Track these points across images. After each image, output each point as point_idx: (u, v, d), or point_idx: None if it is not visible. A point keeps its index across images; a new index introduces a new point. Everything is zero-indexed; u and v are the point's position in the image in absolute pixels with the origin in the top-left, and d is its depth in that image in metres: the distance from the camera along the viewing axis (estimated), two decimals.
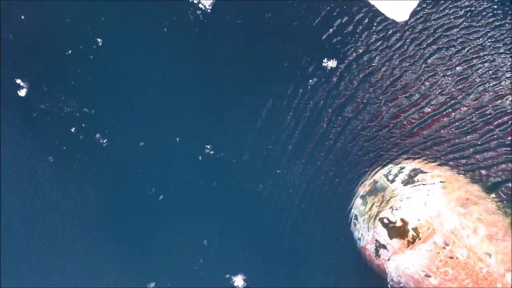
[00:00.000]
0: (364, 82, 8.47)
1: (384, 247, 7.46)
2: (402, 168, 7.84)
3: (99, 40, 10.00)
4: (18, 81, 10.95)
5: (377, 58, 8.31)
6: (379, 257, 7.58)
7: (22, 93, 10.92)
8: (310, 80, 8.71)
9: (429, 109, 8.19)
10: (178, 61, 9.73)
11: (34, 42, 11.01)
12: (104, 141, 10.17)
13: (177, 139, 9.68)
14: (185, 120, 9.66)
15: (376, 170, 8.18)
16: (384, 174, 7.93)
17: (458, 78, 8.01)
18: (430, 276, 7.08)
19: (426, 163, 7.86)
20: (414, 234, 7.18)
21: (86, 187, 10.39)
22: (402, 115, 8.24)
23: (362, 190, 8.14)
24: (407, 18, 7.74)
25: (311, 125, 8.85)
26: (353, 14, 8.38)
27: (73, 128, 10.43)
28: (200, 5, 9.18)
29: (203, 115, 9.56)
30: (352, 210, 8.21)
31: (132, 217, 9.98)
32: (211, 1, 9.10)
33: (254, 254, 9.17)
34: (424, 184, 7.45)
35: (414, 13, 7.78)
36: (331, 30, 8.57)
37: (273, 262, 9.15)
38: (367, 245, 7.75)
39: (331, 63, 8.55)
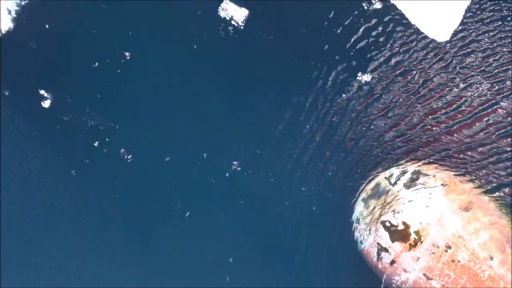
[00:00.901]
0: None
1: (386, 250, 7.42)
2: (404, 171, 7.83)
3: (127, 54, 9.98)
4: (42, 92, 10.87)
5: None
6: (381, 260, 7.51)
7: (46, 104, 10.82)
8: (344, 95, 8.69)
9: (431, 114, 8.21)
10: (206, 77, 9.66)
11: (59, 52, 10.96)
12: (129, 157, 9.99)
13: (204, 155, 9.52)
14: (213, 135, 9.55)
15: (378, 173, 8.17)
16: (386, 177, 7.91)
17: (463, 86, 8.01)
18: (432, 279, 7.00)
19: (428, 166, 7.86)
20: (416, 237, 7.15)
21: (110, 202, 10.17)
22: (403, 122, 8.26)
23: (364, 193, 8.11)
24: (448, 38, 7.64)
25: (324, 130, 8.82)
26: (392, 32, 8.44)
27: (96, 143, 10.30)
28: (233, 22, 9.20)
29: (231, 131, 9.46)
30: (354, 213, 8.17)
31: (158, 233, 9.72)
32: (244, 17, 9.09)
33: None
34: (426, 187, 7.44)
35: (455, 33, 7.73)
36: (368, 47, 8.59)
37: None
38: (369, 248, 7.70)
39: (366, 77, 8.53)
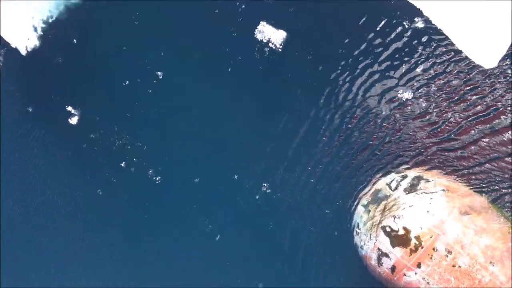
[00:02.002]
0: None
1: (386, 255, 7.38)
2: (404, 176, 7.82)
3: (159, 73, 9.81)
4: (69, 108, 10.69)
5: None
6: (381, 265, 7.51)
7: (73, 121, 10.66)
8: (380, 115, 8.63)
9: (434, 120, 8.21)
10: (239, 100, 9.53)
11: (87, 69, 10.75)
12: (157, 178, 9.83)
13: (236, 176, 9.37)
14: (245, 156, 9.40)
15: (379, 178, 8.18)
16: (386, 183, 7.90)
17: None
18: (432, 285, 7.01)
19: (429, 171, 7.86)
20: (417, 243, 7.11)
21: (139, 224, 10.03)
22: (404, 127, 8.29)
23: (364, 198, 8.10)
24: (496, 65, 7.60)
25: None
26: (436, 56, 8.35)
27: (123, 163, 10.13)
28: (270, 44, 9.09)
29: (263, 151, 9.29)
30: (354, 219, 8.15)
31: (188, 256, 9.58)
32: (282, 39, 9.00)
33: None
34: (426, 193, 7.42)
35: (503, 59, 7.69)
36: (408, 67, 8.52)
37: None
38: (369, 253, 7.67)
39: (407, 95, 8.43)
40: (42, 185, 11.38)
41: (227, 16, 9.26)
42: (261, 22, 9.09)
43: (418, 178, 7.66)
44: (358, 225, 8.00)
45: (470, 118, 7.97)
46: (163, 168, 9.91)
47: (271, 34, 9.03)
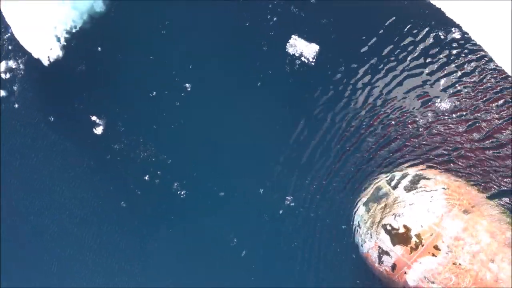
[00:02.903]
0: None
1: (387, 253, 7.43)
2: (405, 174, 7.85)
3: (187, 85, 9.69)
4: (94, 118, 10.55)
5: None
6: (382, 263, 7.54)
7: (98, 131, 10.52)
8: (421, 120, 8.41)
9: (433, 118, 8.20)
10: (268, 114, 9.34)
11: (113, 78, 10.61)
12: (182, 193, 9.71)
13: (261, 190, 9.22)
14: (271, 170, 9.23)
15: (379, 176, 8.21)
16: (387, 181, 7.93)
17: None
18: (433, 283, 7.02)
19: (429, 169, 7.88)
20: (417, 241, 7.14)
21: (162, 237, 9.91)
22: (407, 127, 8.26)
23: (364, 196, 8.12)
24: None
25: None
26: (467, 64, 8.27)
27: (147, 176, 10.00)
28: (303, 58, 9.01)
29: (289, 165, 9.16)
30: (355, 217, 8.17)
31: (214, 271, 9.45)
32: (315, 53, 8.92)
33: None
34: (427, 191, 7.45)
35: None
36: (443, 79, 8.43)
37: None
38: (370, 252, 7.71)
39: (444, 104, 8.34)
40: (63, 195, 11.29)
41: (258, 29, 9.14)
42: (293, 36, 8.98)
43: (418, 176, 7.68)
44: (358, 224, 8.03)
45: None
46: (188, 182, 9.79)
47: (303, 48, 8.93)
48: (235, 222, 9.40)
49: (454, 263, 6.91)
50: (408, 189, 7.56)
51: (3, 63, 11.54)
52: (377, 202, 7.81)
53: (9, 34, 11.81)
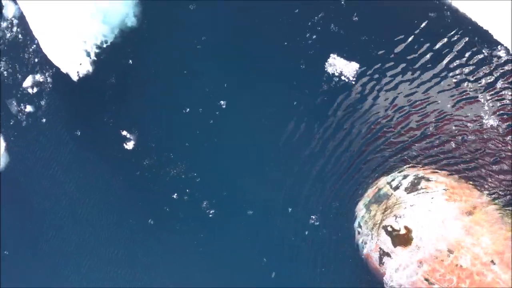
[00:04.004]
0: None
1: (388, 255, 7.40)
2: (405, 175, 7.79)
3: (222, 102, 9.50)
4: (124, 132, 10.38)
5: None
6: (383, 264, 7.50)
7: (129, 146, 10.34)
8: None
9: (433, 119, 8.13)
10: (303, 135, 9.09)
11: (145, 93, 10.39)
12: (211, 212, 9.50)
13: (289, 209, 9.01)
14: (299, 190, 9.03)
15: (380, 177, 8.13)
16: (387, 182, 7.87)
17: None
18: (434, 284, 6.98)
19: (430, 170, 7.81)
20: (418, 242, 7.14)
21: (191, 256, 9.71)
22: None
23: (365, 198, 8.08)
24: None
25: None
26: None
27: (175, 194, 9.81)
28: (343, 77, 8.84)
29: (319, 185, 8.94)
30: (356, 218, 8.12)
31: None
32: (355, 71, 8.73)
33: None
34: (428, 192, 7.41)
35: None
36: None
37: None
38: (371, 253, 7.68)
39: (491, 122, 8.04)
40: (89, 211, 11.14)
41: (297, 48, 8.94)
42: (332, 55, 8.79)
43: (419, 178, 7.63)
44: (359, 225, 7.97)
45: None
46: (217, 201, 9.58)
47: (343, 67, 8.75)
48: (264, 242, 9.20)
49: (455, 265, 6.87)
50: (409, 190, 7.56)
51: (30, 77, 11.39)
52: (378, 203, 7.79)
53: (34, 46, 11.65)
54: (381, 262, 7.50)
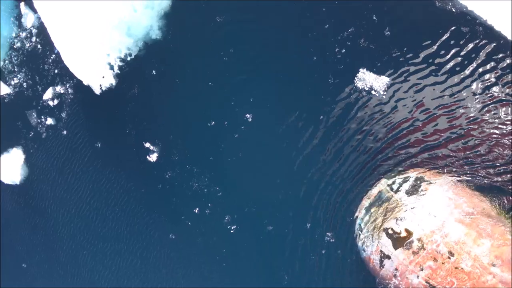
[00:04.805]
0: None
1: (389, 257, 7.35)
2: (406, 178, 7.73)
3: (248, 116, 9.39)
4: (147, 144, 10.29)
5: None
6: (384, 267, 7.43)
7: (153, 158, 10.25)
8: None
9: (434, 122, 8.06)
10: (330, 152, 8.89)
11: (168, 103, 10.26)
12: (232, 227, 9.36)
13: (308, 225, 8.80)
14: (322, 207, 8.80)
15: (380, 180, 8.07)
16: (388, 184, 7.82)
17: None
18: (435, 286, 6.93)
19: (431, 173, 7.76)
20: (419, 245, 7.06)
21: (213, 271, 9.57)
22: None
23: (366, 200, 8.01)
24: None
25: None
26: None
27: (197, 209, 9.68)
28: (373, 92, 8.68)
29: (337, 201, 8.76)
30: (357, 221, 8.07)
31: None
32: (386, 85, 8.46)
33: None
34: (428, 194, 7.35)
35: None
36: None
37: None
38: (372, 256, 7.61)
39: None
40: (108, 223, 11.07)
41: (326, 62, 8.83)
42: (361, 70, 8.68)
43: (420, 180, 7.59)
44: (360, 227, 7.93)
45: None
46: (238, 216, 9.43)
47: (372, 81, 8.64)
48: (285, 260, 8.99)
49: (456, 267, 6.80)
50: (409, 192, 7.52)
51: (50, 89, 11.33)
52: (379, 206, 7.76)
53: (54, 56, 11.58)
54: (381, 265, 7.46)
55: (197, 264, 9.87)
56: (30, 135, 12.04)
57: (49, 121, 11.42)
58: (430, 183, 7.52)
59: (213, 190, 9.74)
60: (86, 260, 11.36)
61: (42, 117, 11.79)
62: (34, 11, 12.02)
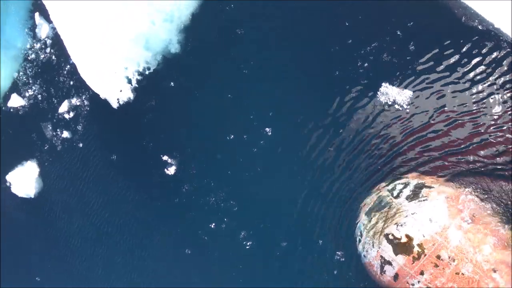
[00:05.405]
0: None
1: (389, 263, 7.32)
2: (406, 183, 7.72)
3: (267, 129, 9.29)
4: (165, 157, 10.17)
5: None
6: (384, 273, 7.40)
7: (171, 171, 10.12)
8: None
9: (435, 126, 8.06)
10: (350, 168, 8.74)
11: (186, 116, 10.15)
12: (248, 243, 9.26)
13: (320, 241, 8.71)
14: (334, 223, 8.71)
15: (381, 186, 8.04)
16: (388, 190, 7.80)
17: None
18: None
19: (431, 178, 7.73)
20: (420, 250, 7.04)
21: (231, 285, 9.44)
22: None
23: (367, 206, 7.98)
24: None
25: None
26: None
27: (213, 224, 9.61)
28: (396, 106, 8.60)
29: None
30: (357, 226, 8.03)
31: None
32: (409, 99, 8.41)
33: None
34: (429, 200, 7.35)
35: None
36: None
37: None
38: (372, 261, 7.59)
39: None
40: (123, 237, 10.96)
41: (348, 77, 8.74)
42: (384, 84, 8.60)
43: (420, 186, 7.56)
44: (361, 233, 7.89)
45: None
46: (254, 232, 9.33)
47: (395, 95, 8.56)
48: (298, 271, 8.93)
49: (456, 273, 6.83)
50: (410, 198, 7.52)
51: (66, 102, 11.25)
52: (379, 211, 7.74)
53: (69, 66, 11.51)
54: (382, 271, 7.43)
55: (214, 278, 9.71)
56: (45, 148, 11.96)
57: (65, 134, 11.35)
58: (431, 188, 7.50)
59: (229, 205, 9.66)
60: (97, 271, 11.28)
61: (58, 129, 11.70)
62: (49, 21, 11.96)
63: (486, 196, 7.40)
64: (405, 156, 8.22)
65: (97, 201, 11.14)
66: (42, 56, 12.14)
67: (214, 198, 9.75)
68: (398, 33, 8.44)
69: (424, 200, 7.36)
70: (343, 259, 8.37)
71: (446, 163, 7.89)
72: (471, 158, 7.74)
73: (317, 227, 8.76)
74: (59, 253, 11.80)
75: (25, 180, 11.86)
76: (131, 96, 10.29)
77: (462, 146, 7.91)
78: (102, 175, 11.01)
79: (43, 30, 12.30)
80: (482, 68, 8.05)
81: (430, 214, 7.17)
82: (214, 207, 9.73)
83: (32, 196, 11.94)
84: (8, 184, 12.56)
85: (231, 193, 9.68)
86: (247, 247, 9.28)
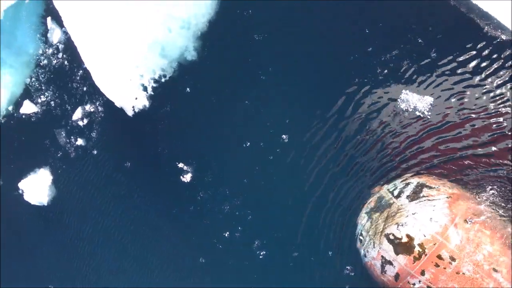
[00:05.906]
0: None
1: (390, 263, 7.26)
2: (407, 183, 7.67)
3: (284, 137, 9.21)
4: (181, 165, 10.10)
5: None
6: (385, 273, 7.36)
7: (187, 178, 10.05)
8: None
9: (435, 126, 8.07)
10: (364, 178, 8.64)
11: (202, 123, 10.07)
12: (262, 253, 9.17)
13: (330, 253, 8.60)
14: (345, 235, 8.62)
15: (381, 185, 8.04)
16: (389, 190, 7.76)
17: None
18: None
19: (432, 178, 7.72)
20: (420, 250, 6.97)
21: None
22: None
23: (367, 206, 7.95)
24: None
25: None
26: None
27: (227, 233, 9.54)
28: (417, 113, 8.38)
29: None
30: (358, 226, 7.99)
31: None
32: (430, 105, 8.27)
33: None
34: (429, 200, 7.28)
35: None
36: None
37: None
38: (373, 261, 7.54)
39: None
40: (137, 245, 10.89)
41: (368, 84, 8.68)
42: (404, 91, 8.52)
43: (421, 185, 7.52)
44: (361, 233, 7.86)
45: None
46: (268, 242, 9.23)
47: (416, 102, 8.46)
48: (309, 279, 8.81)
49: (457, 272, 6.79)
50: (411, 198, 7.47)
51: (79, 108, 11.18)
52: (380, 211, 7.70)
53: (81, 72, 11.43)
54: (383, 271, 7.41)
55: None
56: (59, 155, 11.90)
57: (79, 141, 11.30)
58: (432, 188, 7.47)
59: (244, 213, 9.59)
60: (107, 277, 11.20)
61: (71, 136, 11.67)
62: (61, 26, 11.89)
63: (486, 196, 7.40)
64: (414, 160, 8.15)
65: (110, 208, 11.08)
66: (55, 61, 12.08)
67: (228, 206, 9.69)
68: (420, 41, 8.39)
69: (425, 200, 7.33)
70: (353, 274, 8.29)
71: (448, 164, 7.90)
72: (471, 161, 7.77)
73: (329, 238, 8.62)
74: (72, 263, 11.71)
75: (38, 187, 11.80)
76: (147, 103, 10.23)
77: (462, 146, 7.90)
78: (116, 183, 10.95)
79: (55, 35, 12.23)
80: (504, 71, 7.96)
81: (431, 214, 7.14)
82: (228, 215, 9.67)
83: (45, 204, 11.86)
84: (20, 191, 12.50)
85: (246, 201, 9.61)
86: (261, 257, 9.20)
